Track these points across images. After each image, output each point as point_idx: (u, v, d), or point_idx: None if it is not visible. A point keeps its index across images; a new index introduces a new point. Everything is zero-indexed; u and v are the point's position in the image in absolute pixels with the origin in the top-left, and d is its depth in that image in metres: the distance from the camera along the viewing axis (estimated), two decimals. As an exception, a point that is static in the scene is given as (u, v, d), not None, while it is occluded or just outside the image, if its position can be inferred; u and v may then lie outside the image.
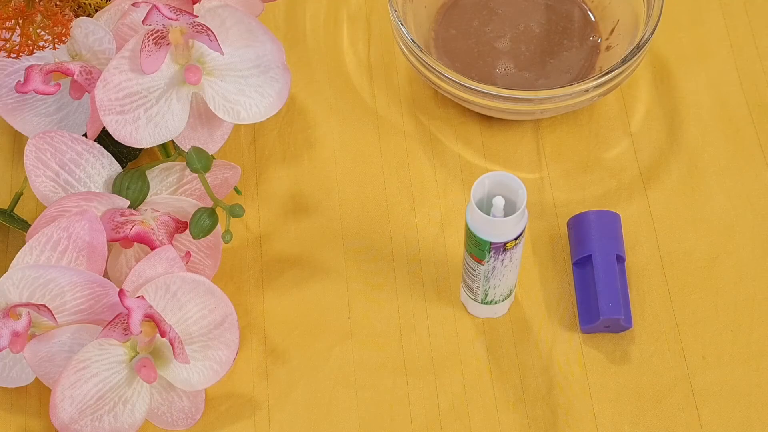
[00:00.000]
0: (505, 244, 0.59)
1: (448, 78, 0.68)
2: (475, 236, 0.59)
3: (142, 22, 0.61)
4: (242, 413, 0.64)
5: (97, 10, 0.67)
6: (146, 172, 0.64)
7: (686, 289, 0.67)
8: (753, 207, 0.69)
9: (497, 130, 0.72)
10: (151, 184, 0.65)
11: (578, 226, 0.66)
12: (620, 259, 0.65)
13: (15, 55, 0.62)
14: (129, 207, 0.63)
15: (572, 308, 0.66)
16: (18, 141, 0.73)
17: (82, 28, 0.63)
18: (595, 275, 0.64)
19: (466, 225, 0.59)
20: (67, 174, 0.63)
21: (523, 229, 0.59)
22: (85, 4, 0.67)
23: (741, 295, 0.66)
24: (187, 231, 0.63)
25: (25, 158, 0.63)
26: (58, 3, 0.64)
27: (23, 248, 0.60)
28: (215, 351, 0.61)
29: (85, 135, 0.65)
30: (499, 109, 0.69)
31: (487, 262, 0.61)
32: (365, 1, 0.78)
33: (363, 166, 0.72)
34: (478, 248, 0.60)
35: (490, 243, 0.59)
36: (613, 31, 0.73)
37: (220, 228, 0.65)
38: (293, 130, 0.73)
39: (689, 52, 0.75)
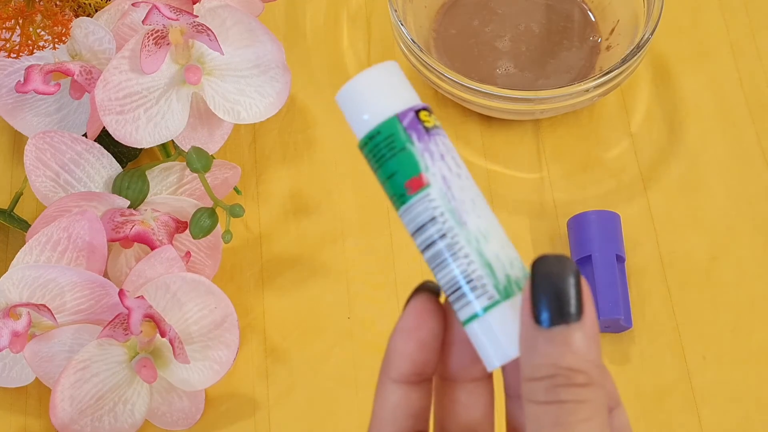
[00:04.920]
0: (417, 114, 0.38)
1: (448, 78, 0.68)
2: (377, 132, 0.38)
3: (142, 22, 0.61)
4: (242, 413, 0.64)
5: (97, 10, 0.67)
6: (146, 172, 0.64)
7: (686, 289, 0.67)
8: (753, 207, 0.69)
9: (497, 130, 0.72)
10: (151, 184, 0.65)
11: (578, 226, 0.66)
12: (620, 259, 0.65)
13: (15, 55, 0.62)
14: (129, 207, 0.63)
15: (572, 308, 0.66)
16: (18, 141, 0.73)
17: (82, 28, 0.63)
18: (595, 275, 0.64)
19: (366, 143, 0.38)
20: (67, 174, 0.63)
21: (415, 105, 0.38)
22: (85, 4, 0.67)
23: (741, 295, 0.66)
24: (187, 231, 0.63)
25: (25, 158, 0.63)
26: (58, 3, 0.64)
27: (23, 248, 0.60)
28: (215, 351, 0.61)
29: (85, 135, 0.65)
30: (499, 109, 0.69)
31: (428, 171, 0.37)
32: (365, 1, 0.78)
33: (363, 166, 0.71)
34: (393, 155, 0.37)
35: (397, 117, 0.38)
36: (613, 31, 0.73)
37: (220, 228, 0.65)
38: (293, 130, 0.73)
39: (689, 52, 0.75)
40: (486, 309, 0.36)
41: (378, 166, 0.38)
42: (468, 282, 0.37)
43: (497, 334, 0.36)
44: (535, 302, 0.35)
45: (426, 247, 0.37)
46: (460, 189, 0.37)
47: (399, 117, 0.37)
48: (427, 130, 0.38)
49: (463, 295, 0.37)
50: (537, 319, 0.35)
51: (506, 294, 0.36)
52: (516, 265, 0.37)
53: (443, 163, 0.37)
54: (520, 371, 0.36)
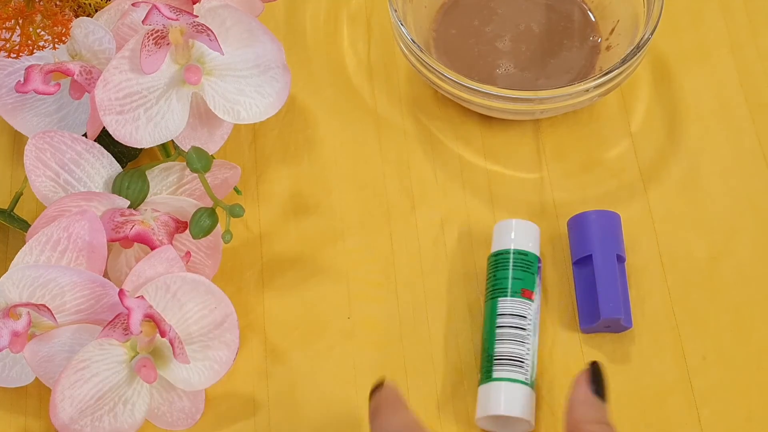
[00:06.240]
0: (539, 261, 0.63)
1: (448, 78, 0.68)
2: (525, 254, 0.61)
3: (142, 22, 0.61)
4: (242, 413, 0.64)
5: (97, 10, 0.67)
6: (146, 172, 0.64)
7: (686, 289, 0.67)
8: (753, 207, 0.69)
9: (497, 130, 0.72)
10: (151, 184, 0.65)
11: (578, 226, 0.66)
12: (620, 259, 0.65)
13: (15, 55, 0.62)
14: (129, 207, 0.63)
15: (572, 308, 0.66)
16: (18, 141, 0.73)
17: (82, 28, 0.63)
18: (595, 275, 0.64)
19: (494, 259, 0.63)
20: (67, 174, 0.63)
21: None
22: (85, 4, 0.67)
23: (741, 295, 0.66)
24: (187, 231, 0.63)
25: (25, 158, 0.63)
26: (58, 3, 0.64)
27: (23, 248, 0.60)
28: (215, 351, 0.61)
29: (85, 135, 0.65)
30: (499, 109, 0.69)
31: (535, 291, 0.60)
32: (365, 1, 0.78)
33: (363, 166, 0.72)
34: (527, 271, 0.62)
35: (537, 258, 0.62)
36: (613, 31, 0.73)
37: (220, 228, 0.65)
38: (293, 130, 0.73)
39: (689, 52, 0.75)
40: (518, 381, 0.59)
41: (510, 267, 0.62)
42: (524, 360, 0.60)
43: (514, 396, 0.59)
44: (601, 381, 0.55)
45: (509, 326, 0.60)
46: (537, 313, 0.62)
47: (539, 258, 0.63)
48: (539, 270, 0.63)
49: (516, 366, 0.59)
50: (594, 391, 0.55)
51: (531, 385, 0.60)
52: (535, 373, 0.61)
53: (539, 291, 0.63)
54: (571, 415, 0.54)
